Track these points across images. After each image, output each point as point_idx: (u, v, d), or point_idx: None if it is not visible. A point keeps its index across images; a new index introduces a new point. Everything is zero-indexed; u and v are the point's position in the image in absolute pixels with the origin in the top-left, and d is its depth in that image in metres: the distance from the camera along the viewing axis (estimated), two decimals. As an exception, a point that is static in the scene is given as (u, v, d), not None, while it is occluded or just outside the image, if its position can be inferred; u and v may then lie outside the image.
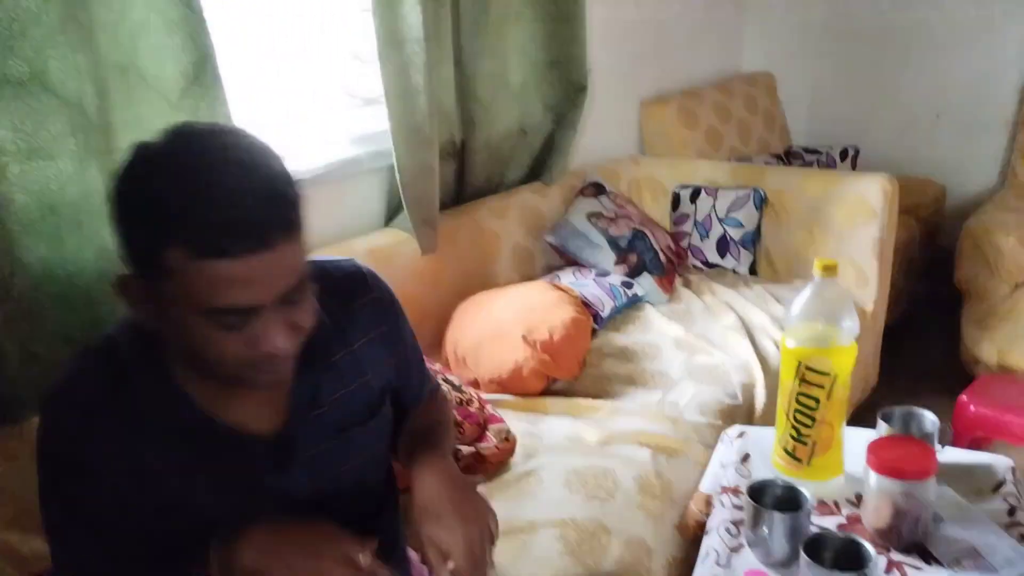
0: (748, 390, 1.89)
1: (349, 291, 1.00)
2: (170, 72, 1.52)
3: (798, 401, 1.27)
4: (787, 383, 1.28)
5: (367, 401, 1.01)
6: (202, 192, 0.74)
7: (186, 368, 0.87)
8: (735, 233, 2.57)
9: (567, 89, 2.52)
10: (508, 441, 1.61)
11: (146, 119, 1.48)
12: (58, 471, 0.88)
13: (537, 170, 2.57)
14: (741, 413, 1.82)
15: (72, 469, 0.86)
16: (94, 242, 1.42)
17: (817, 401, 1.25)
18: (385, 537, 1.04)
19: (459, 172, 2.33)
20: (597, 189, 2.56)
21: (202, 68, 1.55)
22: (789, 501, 1.17)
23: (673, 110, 3.08)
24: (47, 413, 0.88)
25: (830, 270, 1.24)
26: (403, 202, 2.02)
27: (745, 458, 1.42)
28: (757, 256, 2.60)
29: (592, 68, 2.66)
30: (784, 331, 1.29)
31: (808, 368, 1.24)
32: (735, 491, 1.32)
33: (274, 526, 0.88)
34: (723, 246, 2.58)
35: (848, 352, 1.25)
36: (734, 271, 2.58)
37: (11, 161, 1.31)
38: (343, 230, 2.03)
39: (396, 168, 2.00)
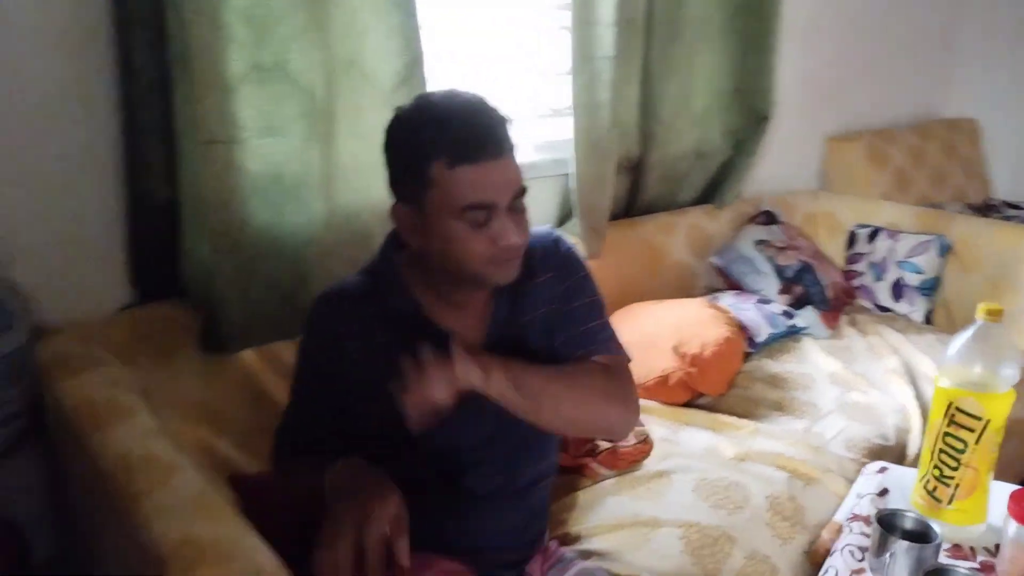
0: (902, 434, 1.84)
1: (536, 243, 1.18)
2: (386, 70, 1.72)
3: (945, 441, 1.25)
4: (936, 421, 1.27)
5: (543, 330, 1.19)
6: (450, 119, 1.03)
7: (422, 282, 1.13)
8: (912, 279, 2.48)
9: (749, 117, 2.54)
10: (645, 443, 1.68)
11: (363, 109, 1.67)
12: (306, 336, 1.19)
13: (710, 193, 2.61)
14: (890, 455, 1.77)
15: (319, 343, 1.17)
16: (306, 211, 1.64)
17: (965, 444, 1.23)
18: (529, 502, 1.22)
19: (633, 187, 2.42)
20: (769, 218, 2.56)
21: (413, 69, 1.74)
22: (919, 535, 1.17)
23: (862, 148, 3.01)
24: (317, 298, 1.18)
25: (994, 315, 1.23)
26: (574, 208, 2.14)
27: (883, 492, 1.41)
28: (934, 305, 2.50)
29: (779, 99, 2.68)
30: (939, 369, 1.28)
31: (959, 410, 1.23)
32: (866, 520, 1.32)
33: (358, 472, 1.03)
34: (898, 291, 2.50)
35: (1003, 399, 1.23)
36: (907, 317, 2.49)
37: (251, 136, 1.54)
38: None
39: (575, 175, 2.13)
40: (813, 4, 2.80)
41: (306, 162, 1.63)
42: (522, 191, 1.07)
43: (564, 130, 2.13)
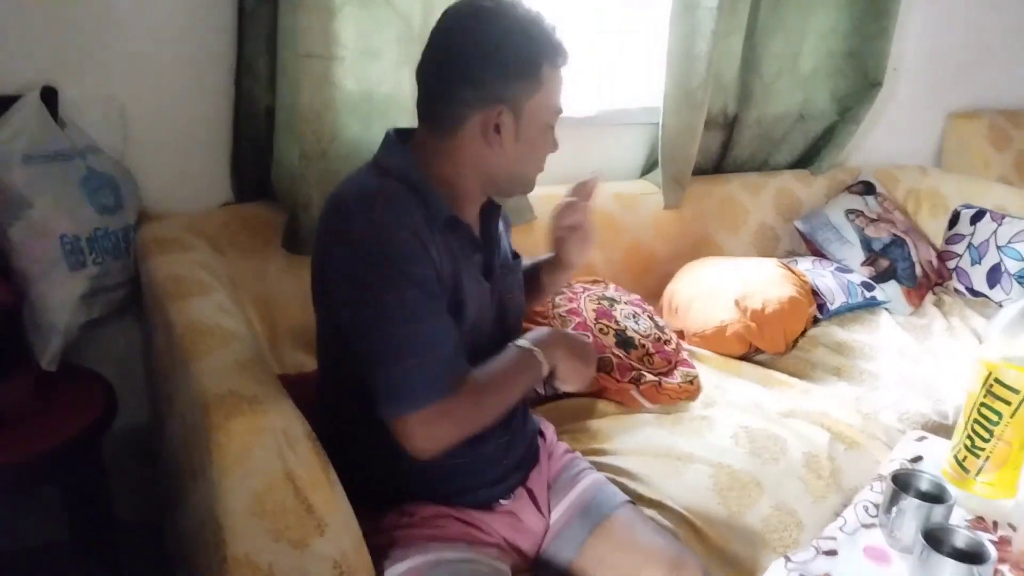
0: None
1: None
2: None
3: (979, 412, 1.24)
4: (974, 393, 1.26)
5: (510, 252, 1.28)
6: (551, 26, 1.08)
7: (442, 188, 1.08)
8: (1012, 265, 2.36)
9: (860, 83, 2.46)
10: (692, 384, 1.71)
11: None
12: (391, 255, 0.98)
13: (808, 158, 2.55)
14: (945, 433, 1.73)
15: (404, 248, 0.99)
16: (393, 131, 1.74)
17: (1000, 416, 1.22)
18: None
19: (726, 143, 2.40)
20: (866, 188, 2.49)
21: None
22: (932, 497, 1.17)
23: (984, 127, 2.85)
24: (367, 208, 1.01)
25: (1053, 292, 1.20)
26: (659, 157, 2.16)
27: (917, 459, 1.40)
28: (1032, 295, 2.38)
29: (897, 68, 2.57)
30: (984, 340, 1.26)
31: (997, 381, 1.21)
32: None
33: (557, 332, 1.19)
34: (994, 276, 2.39)
35: (1047, 376, 1.20)
36: (1000, 305, 2.38)
37: (349, 55, 1.64)
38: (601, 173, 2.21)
39: (661, 125, 2.14)
40: (948, -28, 2.66)
41: (398, 84, 1.72)
42: None
43: (658, 79, 2.13)
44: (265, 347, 1.51)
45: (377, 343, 0.98)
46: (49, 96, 1.47)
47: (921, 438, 1.46)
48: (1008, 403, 1.21)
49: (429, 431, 0.98)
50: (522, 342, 1.13)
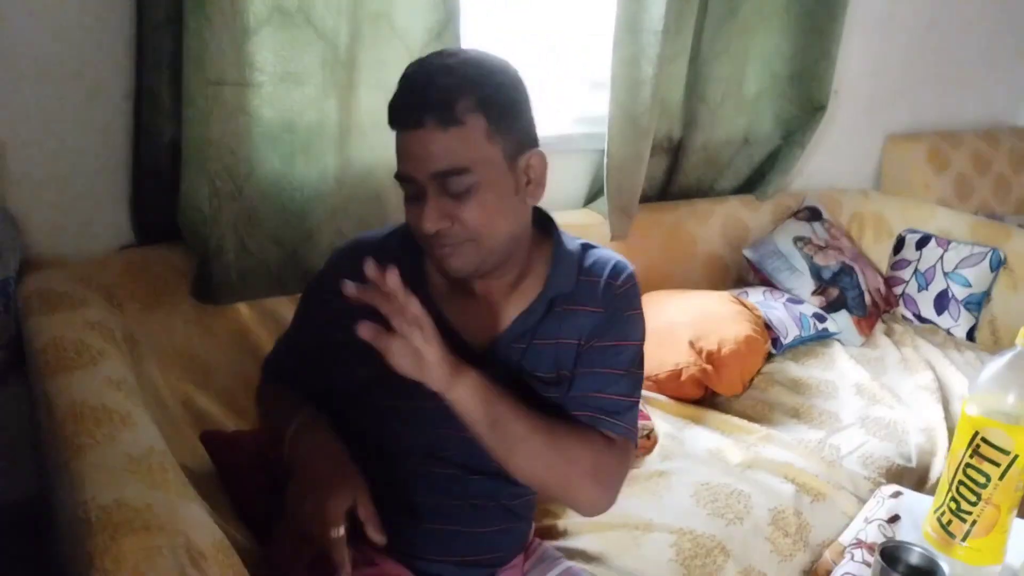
0: (925, 456, 1.72)
1: (599, 269, 1.07)
2: (418, 26, 1.63)
3: (965, 473, 1.15)
4: (958, 451, 1.16)
5: (553, 365, 1.04)
6: (407, 79, 0.94)
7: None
8: (959, 292, 2.33)
9: (804, 106, 2.40)
10: (648, 439, 1.59)
11: (388, 64, 1.59)
12: (317, 274, 1.15)
13: (753, 183, 2.48)
14: (911, 478, 1.67)
15: (321, 285, 1.11)
16: (318, 164, 1.57)
17: (988, 478, 1.13)
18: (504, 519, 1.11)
19: (670, 169, 2.31)
20: (812, 214, 2.43)
21: (445, 27, 1.65)
22: (924, 573, 1.07)
23: (923, 149, 2.84)
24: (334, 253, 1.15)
25: (1037, 341, 1.11)
26: (605, 186, 2.05)
27: (894, 519, 1.31)
28: (979, 321, 2.35)
29: (838, 90, 2.53)
30: (967, 395, 1.17)
31: (985, 441, 1.12)
32: (870, 547, 1.23)
33: (319, 446, 1.02)
34: (942, 303, 2.36)
35: (1036, 434, 1.12)
36: (948, 332, 2.35)
37: (267, 81, 1.47)
38: (541, 203, 2.08)
39: (606, 152, 2.03)
40: (886, -2, 2.63)
41: (323, 113, 1.56)
42: (450, 171, 0.92)
43: (601, 104, 2.02)
44: (174, 415, 1.33)
45: None
46: (-93, 129, 1.26)
47: (896, 493, 1.36)
48: (997, 464, 1.12)
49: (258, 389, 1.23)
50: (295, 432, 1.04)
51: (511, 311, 1.04)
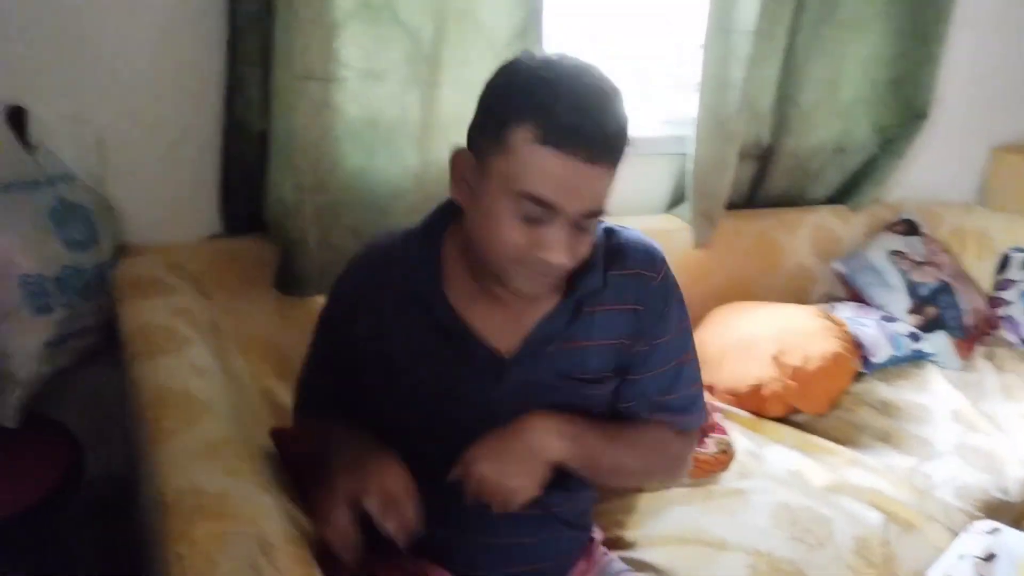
0: (1026, 490, 1.61)
1: (630, 261, 1.02)
2: (502, 24, 1.62)
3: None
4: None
5: (590, 366, 1.02)
6: (571, 96, 0.83)
7: (462, 263, 0.99)
8: (1068, 315, 2.19)
9: (904, 113, 2.29)
10: (725, 454, 1.54)
11: (472, 61, 1.59)
12: (333, 299, 1.10)
13: (846, 192, 2.38)
14: (1009, 513, 1.56)
15: (341, 300, 1.08)
16: (399, 159, 1.58)
17: (1099, 519, 1.04)
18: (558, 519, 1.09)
19: (758, 175, 2.24)
20: (909, 228, 2.32)
21: (530, 25, 1.64)
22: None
23: (1032, 163, 2.67)
24: (358, 253, 1.10)
25: None
26: (687, 191, 2.00)
27: (990, 558, 1.23)
28: (1090, 348, 2.20)
29: (941, 98, 2.41)
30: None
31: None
32: (963, 587, 1.15)
33: (359, 445, 0.99)
34: (1049, 327, 2.21)
35: None
36: (1054, 358, 2.20)
37: (352, 76, 1.48)
38: (623, 207, 2.02)
39: (691, 156, 1.98)
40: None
41: (405, 109, 1.56)
42: (597, 212, 0.89)
43: (688, 107, 1.97)
44: (255, 404, 1.35)
45: None
46: (17, 117, 1.32)
47: (993, 530, 1.28)
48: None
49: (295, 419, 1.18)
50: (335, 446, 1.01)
51: (535, 314, 1.00)
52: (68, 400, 1.42)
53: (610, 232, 1.02)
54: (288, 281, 1.50)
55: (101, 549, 1.47)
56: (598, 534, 1.25)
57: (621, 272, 1.01)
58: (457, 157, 0.93)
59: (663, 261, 1.04)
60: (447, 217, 1.01)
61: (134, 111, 1.44)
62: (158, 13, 1.41)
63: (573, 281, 0.98)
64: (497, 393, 0.99)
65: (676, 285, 1.06)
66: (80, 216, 1.33)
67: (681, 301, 1.07)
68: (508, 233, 0.87)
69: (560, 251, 0.87)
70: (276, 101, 1.44)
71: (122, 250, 1.44)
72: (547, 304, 0.99)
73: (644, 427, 1.06)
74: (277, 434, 1.21)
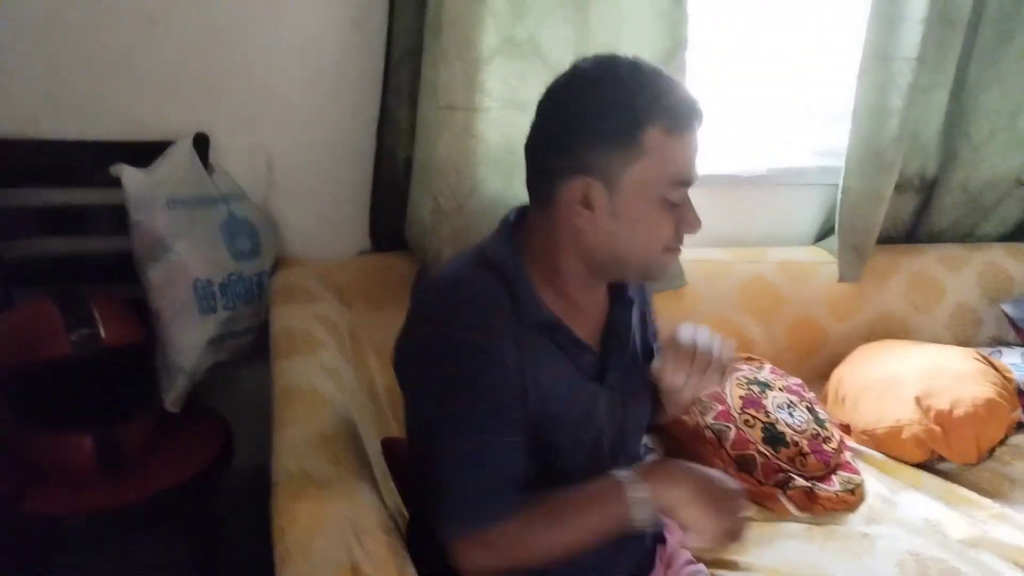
0: None
1: None
2: (645, 55, 1.65)
3: None
4: None
5: (641, 348, 1.11)
6: (666, 83, 0.92)
7: (543, 280, 0.98)
8: None
9: (1096, 144, 2.09)
10: (853, 494, 1.47)
11: (612, 94, 1.64)
12: (456, 356, 0.90)
13: (1025, 230, 2.20)
14: None
15: (471, 355, 0.90)
16: (535, 187, 1.65)
17: None
18: None
19: (921, 209, 2.12)
20: (1098, 269, 2.10)
21: (673, 55, 1.67)
22: None
23: None
24: (445, 302, 0.94)
25: None
26: (836, 223, 1.93)
27: None
28: None
29: None
30: None
31: None
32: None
33: (690, 468, 0.94)
34: None
35: None
36: None
37: (495, 106, 1.58)
38: (767, 236, 2.01)
39: (841, 187, 1.91)
40: None
41: (545, 138, 1.64)
42: None
43: (838, 137, 1.91)
44: (383, 406, 1.46)
45: (435, 450, 0.91)
46: (202, 143, 1.52)
47: None
48: None
49: (472, 557, 0.90)
50: (621, 471, 0.92)
51: (599, 314, 1.06)
52: (226, 392, 1.60)
53: None
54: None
55: (250, 531, 1.64)
56: (674, 533, 1.20)
57: None
58: (577, 191, 0.91)
59: None
60: (511, 242, 1.00)
61: (298, 139, 1.62)
62: (324, 53, 1.59)
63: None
64: (603, 393, 1.03)
65: None
66: (247, 230, 1.51)
67: None
68: (662, 228, 0.94)
69: (697, 218, 0.96)
70: (421, 131, 1.57)
71: (281, 261, 1.61)
72: (603, 300, 1.06)
73: None
74: (387, 443, 1.27)
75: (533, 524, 0.90)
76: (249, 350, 1.55)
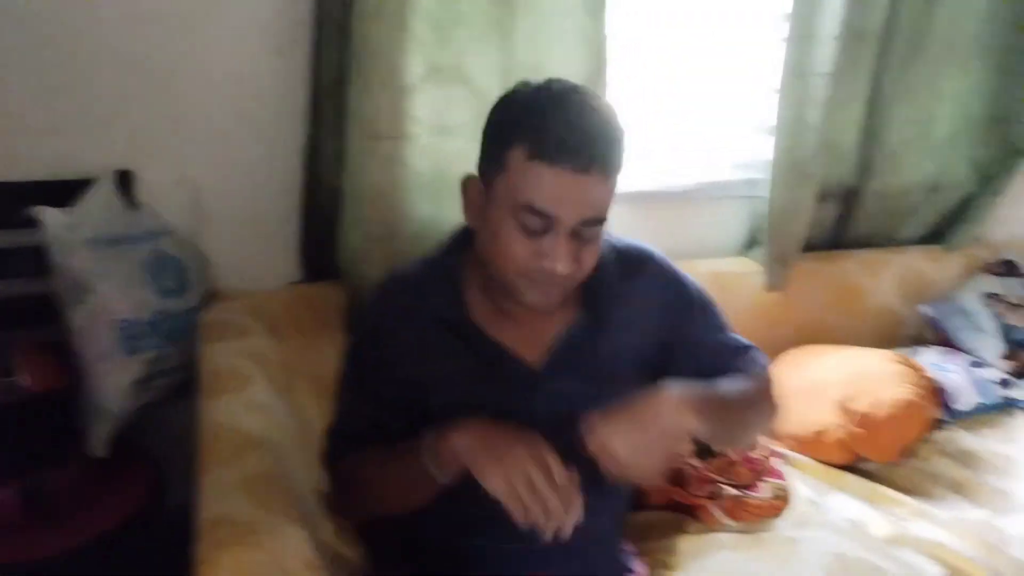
0: (1121, 554, 1.50)
1: (636, 262, 1.14)
2: (573, 77, 1.65)
3: None
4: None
5: (620, 369, 1.11)
6: (555, 112, 0.94)
7: (479, 284, 1.07)
8: None
9: (1002, 150, 2.19)
10: (780, 499, 1.52)
11: (539, 115, 1.67)
12: (358, 336, 1.16)
13: (941, 233, 2.29)
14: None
15: (367, 335, 1.13)
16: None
17: None
18: (597, 523, 1.09)
19: (842, 216, 2.19)
20: (1009, 269, 2.20)
21: (597, 77, 1.71)
22: None
23: None
24: (379, 287, 1.16)
25: None
26: (762, 234, 1.99)
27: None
28: None
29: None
30: None
31: None
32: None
33: (485, 421, 0.97)
34: None
35: None
36: None
37: (423, 132, 1.60)
38: (696, 249, 2.06)
39: (766, 198, 1.97)
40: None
41: (472, 163, 1.64)
42: (595, 220, 0.96)
43: (763, 150, 1.98)
44: (316, 439, 1.46)
45: None
46: (125, 179, 1.51)
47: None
48: None
49: (330, 487, 1.19)
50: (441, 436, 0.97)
51: (557, 326, 1.09)
52: (157, 432, 1.57)
53: (608, 242, 1.12)
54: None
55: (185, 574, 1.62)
56: (643, 570, 1.27)
57: (628, 272, 1.12)
58: (467, 184, 1.04)
59: (652, 252, 1.17)
60: (462, 243, 1.10)
61: (226, 172, 1.61)
62: (249, 83, 1.58)
63: (588, 290, 1.07)
64: (532, 405, 1.06)
65: (677, 269, 1.19)
66: (173, 266, 1.50)
67: (689, 280, 1.19)
68: (513, 246, 0.96)
69: (561, 259, 0.94)
70: (349, 159, 1.57)
71: (211, 296, 1.60)
72: (568, 315, 1.09)
73: (736, 378, 1.13)
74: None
75: (364, 463, 1.09)
76: (179, 389, 1.53)
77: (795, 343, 1.97)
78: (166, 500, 1.46)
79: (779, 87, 1.91)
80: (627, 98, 1.84)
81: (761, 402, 1.17)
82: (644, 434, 0.92)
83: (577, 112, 0.94)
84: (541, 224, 0.94)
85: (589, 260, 1.00)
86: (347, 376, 1.16)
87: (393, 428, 1.08)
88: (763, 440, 1.65)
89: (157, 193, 1.55)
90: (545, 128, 0.92)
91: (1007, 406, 1.90)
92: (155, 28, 1.49)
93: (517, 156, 0.93)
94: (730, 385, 1.09)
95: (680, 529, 1.47)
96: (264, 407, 1.21)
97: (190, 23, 1.51)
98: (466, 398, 1.06)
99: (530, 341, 1.08)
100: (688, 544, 1.43)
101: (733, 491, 1.50)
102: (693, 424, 0.94)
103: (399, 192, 1.60)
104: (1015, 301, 2.10)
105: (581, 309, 1.09)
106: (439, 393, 1.07)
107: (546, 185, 0.92)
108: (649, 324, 1.13)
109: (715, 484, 1.51)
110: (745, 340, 1.23)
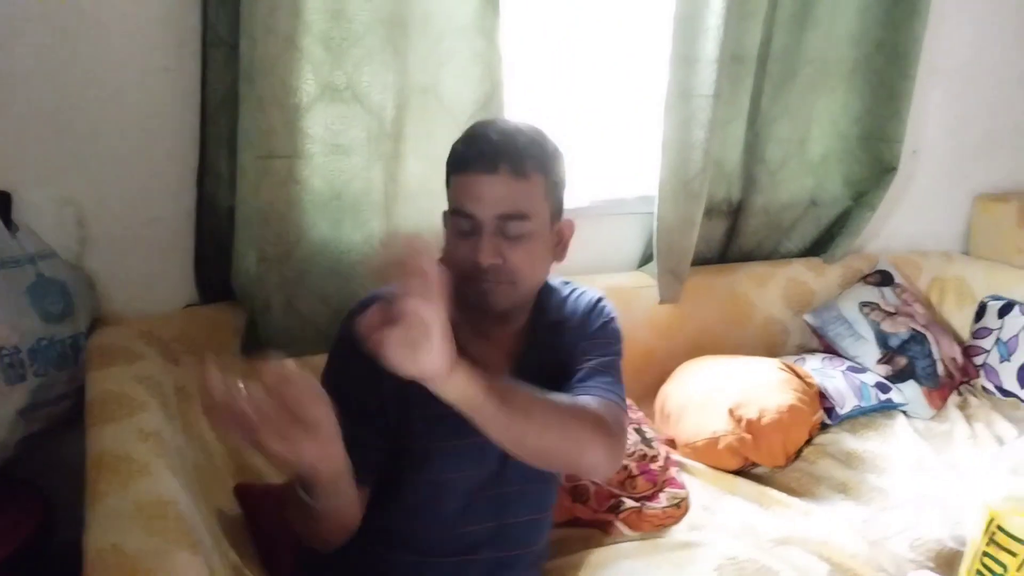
0: (985, 541, 1.62)
1: (586, 307, 1.23)
2: (465, 97, 1.73)
3: (982, 562, 1.10)
4: (976, 540, 1.11)
5: (560, 380, 1.15)
6: (469, 133, 1.11)
7: (453, 304, 1.01)
8: (1046, 363, 2.19)
9: (875, 167, 2.34)
10: (678, 508, 1.58)
11: (434, 135, 1.69)
12: (340, 350, 1.14)
13: (821, 245, 2.43)
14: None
15: (350, 347, 0.98)
16: (364, 228, 1.67)
17: (1005, 568, 1.07)
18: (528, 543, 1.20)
19: (730, 231, 2.30)
20: (883, 279, 2.35)
21: (492, 97, 1.74)
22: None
23: (1013, 211, 2.68)
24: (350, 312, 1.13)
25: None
26: (654, 249, 2.06)
27: (920, 608, 1.25)
28: (1070, 397, 2.19)
29: (918, 149, 2.47)
30: (986, 478, 1.12)
31: (1000, 529, 1.07)
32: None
33: None
34: (1026, 374, 2.22)
35: (1061, 526, 1.05)
36: (1034, 405, 2.19)
37: (318, 152, 1.59)
38: (593, 265, 2.11)
39: (656, 215, 2.05)
40: (968, 47, 2.54)
41: (370, 181, 1.66)
42: (513, 215, 1.05)
43: (654, 168, 2.05)
44: (218, 465, 1.42)
45: None
46: (4, 200, 1.44)
47: (927, 581, 1.30)
48: (1014, 554, 1.06)
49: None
50: None
51: (512, 347, 1.17)
52: (45, 462, 1.50)
53: (567, 283, 1.28)
54: (253, 345, 1.59)
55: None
56: None
57: (574, 306, 1.23)
58: (443, 217, 1.16)
59: (601, 296, 1.27)
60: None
61: (113, 191, 1.56)
62: (136, 101, 1.54)
63: (537, 309, 1.19)
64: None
65: (614, 320, 1.25)
66: (57, 291, 1.44)
67: (617, 333, 1.24)
68: (454, 252, 1.08)
69: (484, 252, 1.05)
70: (241, 179, 1.55)
71: (100, 321, 1.54)
72: (514, 331, 1.17)
73: (568, 398, 1.09)
74: (241, 489, 1.27)
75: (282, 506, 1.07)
76: (67, 417, 1.47)
77: (690, 353, 2.04)
78: (56, 535, 1.39)
79: (665, 108, 1.99)
80: (525, 118, 1.87)
81: (575, 429, 1.03)
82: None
83: (485, 127, 1.11)
84: (468, 224, 1.06)
85: (519, 257, 1.07)
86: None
87: (370, 446, 1.06)
88: (664, 451, 1.71)
89: (37, 215, 1.50)
90: (460, 147, 1.10)
91: (885, 408, 2.03)
92: (35, 41, 1.44)
93: (449, 180, 1.11)
94: (551, 395, 1.03)
95: (584, 544, 1.50)
96: (156, 433, 1.17)
97: (72, 37, 1.46)
98: (441, 410, 1.00)
99: (497, 361, 1.14)
100: (591, 557, 1.46)
101: (633, 503, 1.55)
102: (440, 366, 0.87)
103: (294, 211, 1.59)
104: (889, 309, 2.24)
105: (530, 327, 1.18)
106: (408, 399, 1.07)
107: (463, 189, 1.07)
108: (578, 350, 1.19)
109: (616, 498, 1.55)
110: (614, 395, 1.13)
